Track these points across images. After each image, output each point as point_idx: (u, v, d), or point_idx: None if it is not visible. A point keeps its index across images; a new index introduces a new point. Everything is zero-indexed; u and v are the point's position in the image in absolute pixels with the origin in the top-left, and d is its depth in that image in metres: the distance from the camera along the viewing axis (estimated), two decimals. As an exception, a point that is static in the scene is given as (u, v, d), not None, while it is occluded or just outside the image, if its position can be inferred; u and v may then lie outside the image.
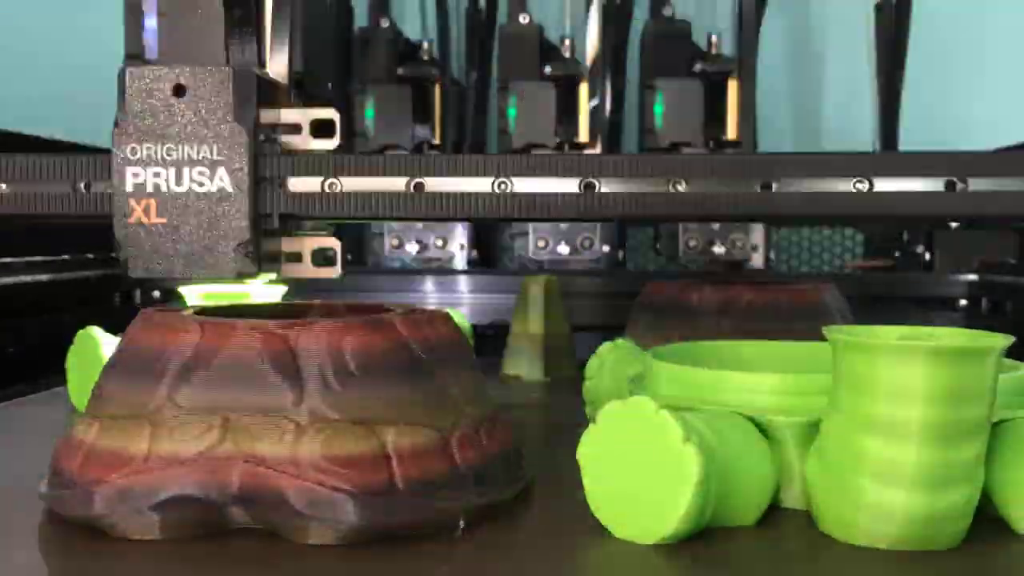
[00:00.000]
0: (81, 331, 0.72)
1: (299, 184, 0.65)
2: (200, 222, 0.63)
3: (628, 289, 1.32)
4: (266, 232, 0.66)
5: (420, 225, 1.41)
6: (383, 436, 0.46)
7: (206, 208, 0.63)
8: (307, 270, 0.69)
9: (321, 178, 0.65)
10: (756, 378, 0.51)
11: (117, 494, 0.45)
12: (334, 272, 0.68)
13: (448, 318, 0.54)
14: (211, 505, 0.45)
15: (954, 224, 1.37)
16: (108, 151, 0.64)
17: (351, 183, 0.65)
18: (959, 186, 0.64)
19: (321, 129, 0.67)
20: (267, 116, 0.65)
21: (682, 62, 1.38)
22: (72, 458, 0.48)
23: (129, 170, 0.63)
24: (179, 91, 0.63)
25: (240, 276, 0.64)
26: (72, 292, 1.25)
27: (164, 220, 0.63)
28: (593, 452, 0.47)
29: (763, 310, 0.77)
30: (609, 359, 0.65)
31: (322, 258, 0.69)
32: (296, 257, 0.69)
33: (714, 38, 1.39)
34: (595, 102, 1.38)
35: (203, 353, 0.47)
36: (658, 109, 1.35)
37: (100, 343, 0.70)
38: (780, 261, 1.51)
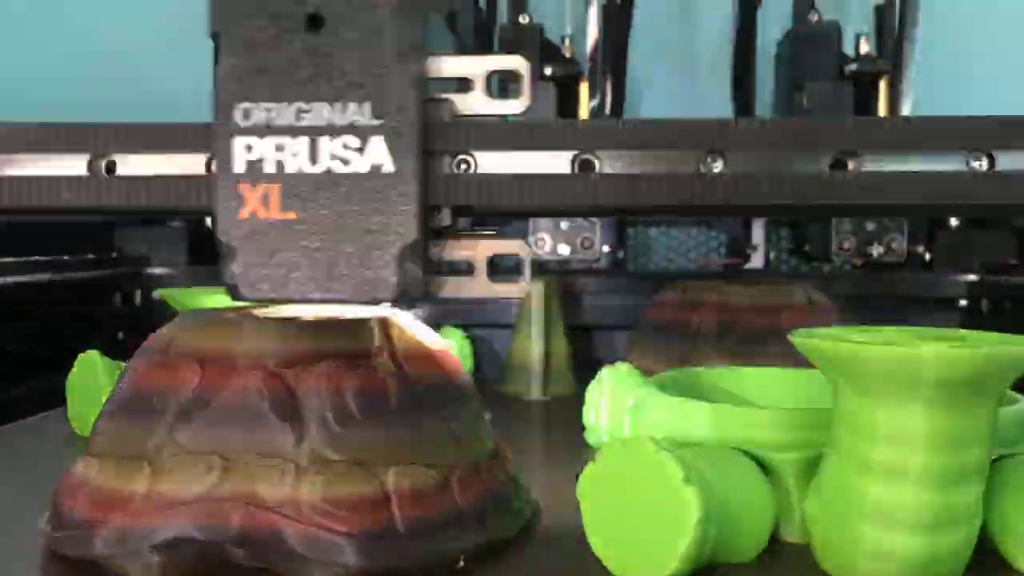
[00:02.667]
0: (81, 355, 0.72)
1: (484, 162, 0.47)
2: (344, 217, 0.46)
3: (628, 289, 1.33)
4: (433, 233, 0.48)
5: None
6: (383, 477, 0.46)
7: (354, 196, 0.46)
8: (481, 285, 0.50)
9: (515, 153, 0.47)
10: (755, 413, 0.51)
11: (117, 535, 0.45)
12: (519, 289, 0.50)
13: (451, 355, 0.54)
14: (211, 546, 0.45)
15: (954, 223, 1.37)
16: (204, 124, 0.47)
17: (529, 161, 0.48)
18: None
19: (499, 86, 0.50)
20: (432, 65, 0.47)
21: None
22: (72, 497, 0.48)
23: (239, 141, 0.46)
24: (314, 22, 0.46)
25: (402, 295, 0.46)
26: (72, 292, 1.25)
27: (291, 215, 0.46)
28: (593, 490, 0.47)
29: (763, 332, 0.77)
30: (609, 384, 0.64)
31: (501, 268, 0.51)
32: (463, 268, 0.50)
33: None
34: (595, 103, 1.38)
35: (203, 393, 0.47)
36: None
37: (100, 368, 0.70)
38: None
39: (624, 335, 1.28)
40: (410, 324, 0.53)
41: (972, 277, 1.32)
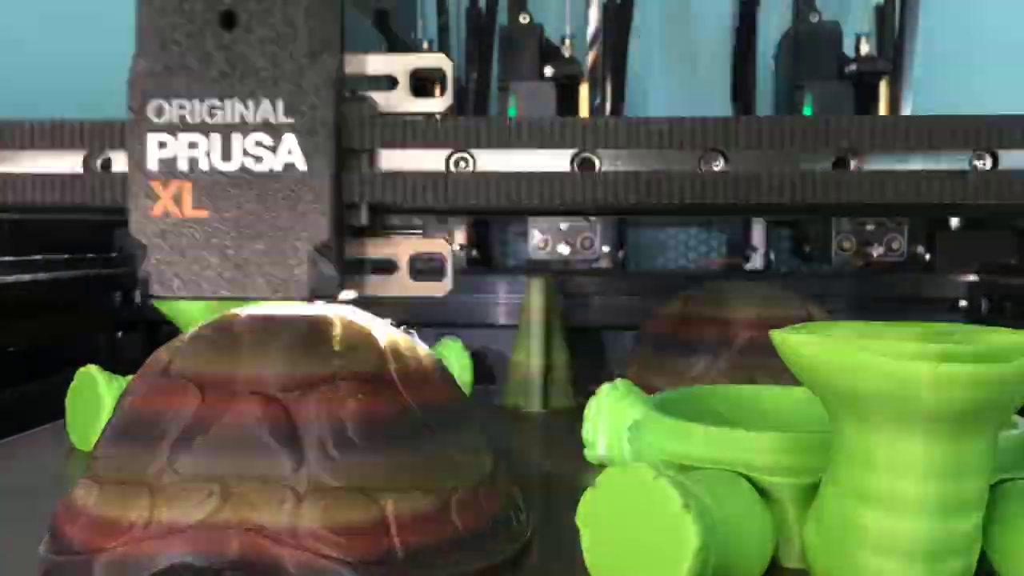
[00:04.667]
0: (81, 370, 0.72)
1: (401, 160, 0.47)
2: (257, 215, 0.45)
3: (628, 289, 1.33)
4: (351, 231, 0.48)
5: (419, 222, 1.40)
6: (382, 504, 0.46)
7: (267, 195, 0.45)
8: (404, 285, 0.49)
9: (443, 152, 0.47)
10: (754, 437, 0.51)
11: (117, 563, 0.45)
12: (442, 288, 0.49)
13: (448, 376, 0.54)
14: (210, 573, 0.45)
15: (954, 223, 1.37)
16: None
17: (488, 159, 0.47)
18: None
19: (422, 85, 0.49)
20: (351, 64, 0.47)
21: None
22: (72, 523, 0.48)
23: (152, 138, 0.45)
24: (228, 20, 0.45)
25: (315, 295, 0.46)
26: (72, 292, 1.25)
27: (203, 213, 0.46)
28: (592, 517, 0.47)
29: (762, 347, 0.76)
30: (608, 401, 0.64)
31: (424, 268, 0.50)
32: (388, 266, 0.49)
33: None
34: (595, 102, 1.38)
35: (203, 419, 0.47)
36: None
37: (99, 383, 0.70)
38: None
39: (624, 336, 1.29)
40: (409, 345, 0.53)
41: (972, 277, 1.32)
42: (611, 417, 0.64)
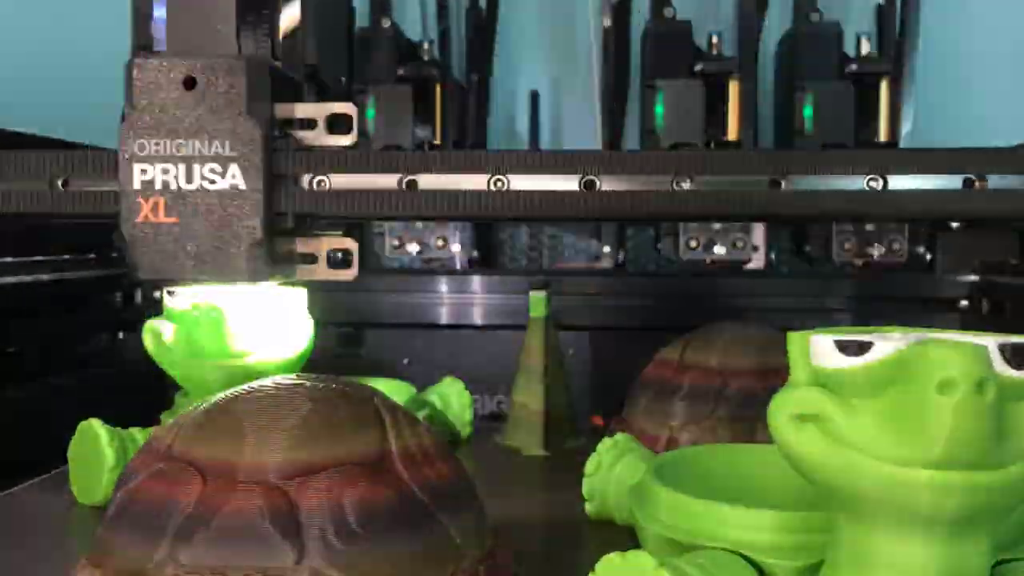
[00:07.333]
0: (82, 424, 0.72)
1: (314, 182, 0.65)
2: (211, 221, 0.62)
3: (628, 289, 1.33)
4: (280, 232, 0.66)
5: (420, 225, 1.41)
6: (383, 595, 0.46)
7: (217, 207, 0.62)
8: (322, 272, 0.68)
9: (341, 175, 0.65)
10: (756, 515, 0.51)
11: (120, 655, 0.46)
12: (350, 274, 0.68)
13: (449, 452, 0.54)
14: (214, 667, 0.45)
15: (955, 224, 1.37)
16: (84, 146, 0.65)
17: (358, 180, 0.65)
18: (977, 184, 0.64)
19: (337, 124, 0.67)
20: (281, 111, 0.66)
21: (683, 62, 1.37)
22: (75, 613, 0.48)
23: (137, 167, 0.62)
24: (190, 84, 0.62)
25: (253, 279, 0.64)
26: (72, 292, 1.25)
27: (174, 219, 0.62)
28: (593, 602, 0.48)
29: (761, 396, 0.76)
30: (608, 459, 0.64)
31: (337, 259, 0.69)
32: (311, 259, 0.69)
33: (715, 39, 1.38)
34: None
35: (204, 508, 0.47)
36: (659, 109, 1.35)
37: (102, 437, 0.69)
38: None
39: (622, 337, 1.29)
40: (410, 419, 0.54)
41: (972, 277, 1.32)
42: (611, 474, 0.64)
